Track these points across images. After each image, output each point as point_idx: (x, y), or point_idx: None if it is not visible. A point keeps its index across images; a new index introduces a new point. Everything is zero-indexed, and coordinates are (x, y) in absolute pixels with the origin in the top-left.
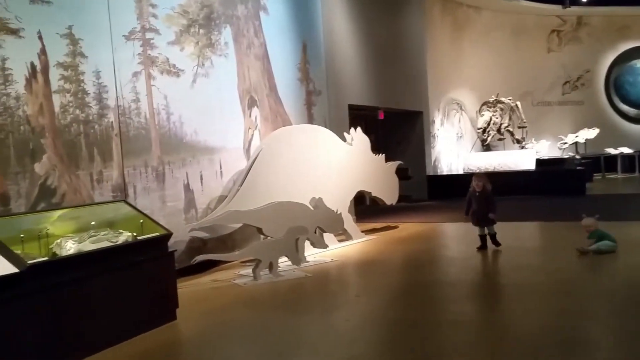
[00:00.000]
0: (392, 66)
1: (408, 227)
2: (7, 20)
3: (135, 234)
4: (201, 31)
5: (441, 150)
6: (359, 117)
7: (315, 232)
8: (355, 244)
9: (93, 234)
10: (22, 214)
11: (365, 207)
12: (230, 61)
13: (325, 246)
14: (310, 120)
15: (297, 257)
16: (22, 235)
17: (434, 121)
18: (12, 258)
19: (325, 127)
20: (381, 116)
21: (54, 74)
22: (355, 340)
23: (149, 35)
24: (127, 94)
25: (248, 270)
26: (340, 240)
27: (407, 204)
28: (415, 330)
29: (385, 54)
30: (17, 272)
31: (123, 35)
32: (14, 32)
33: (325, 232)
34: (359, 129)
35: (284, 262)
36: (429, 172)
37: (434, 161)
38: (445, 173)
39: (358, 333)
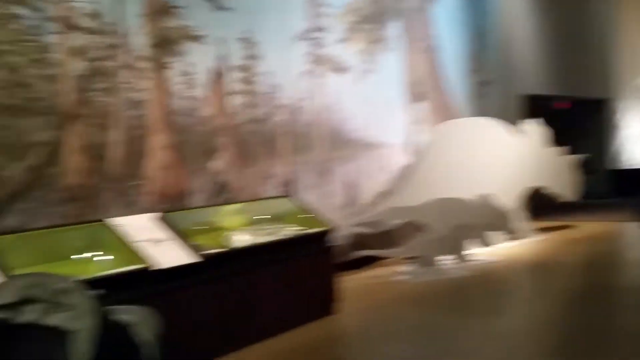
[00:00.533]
0: (575, 51)
1: (587, 227)
2: (192, 28)
3: (298, 228)
4: (370, 27)
5: (631, 141)
6: (536, 107)
7: (481, 230)
8: (525, 243)
9: (260, 227)
10: (199, 207)
11: (540, 203)
12: (398, 55)
13: (491, 244)
14: (481, 112)
15: (461, 255)
16: (200, 227)
17: (622, 109)
18: (192, 248)
19: (498, 119)
20: (562, 106)
21: (232, 76)
22: (522, 346)
23: (318, 34)
24: (296, 93)
25: (409, 267)
26: (508, 239)
27: (587, 201)
28: (588, 339)
29: (568, 39)
30: (198, 262)
31: (294, 36)
32: (197, 39)
33: (492, 230)
34: (534, 120)
35: (447, 260)
36: (616, 166)
37: (622, 154)
38: (636, 167)
39: (526, 339)
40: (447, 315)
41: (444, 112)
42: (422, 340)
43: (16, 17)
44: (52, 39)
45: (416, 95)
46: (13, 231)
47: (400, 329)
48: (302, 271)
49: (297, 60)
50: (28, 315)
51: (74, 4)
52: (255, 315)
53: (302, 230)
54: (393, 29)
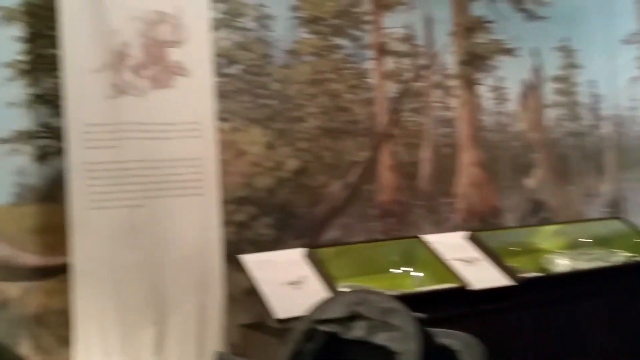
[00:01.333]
0: None
1: None
2: (503, 41)
3: (633, 254)
4: None
5: None
6: None
7: None
8: None
9: (585, 251)
10: (513, 227)
11: None
12: None
13: None
14: None
15: None
16: (513, 248)
17: None
18: (505, 269)
19: None
20: None
21: (547, 88)
22: None
23: None
24: (625, 102)
25: None
26: None
27: None
28: None
29: None
30: (513, 285)
31: (620, 40)
32: (510, 52)
33: None
34: None
35: None
36: None
37: None
38: None
39: None
40: None
41: None
42: None
43: (337, 47)
44: (368, 64)
45: None
46: (334, 244)
47: None
48: (636, 305)
49: (625, 66)
50: (356, 331)
51: (388, 30)
52: (578, 349)
53: (636, 257)
54: None
